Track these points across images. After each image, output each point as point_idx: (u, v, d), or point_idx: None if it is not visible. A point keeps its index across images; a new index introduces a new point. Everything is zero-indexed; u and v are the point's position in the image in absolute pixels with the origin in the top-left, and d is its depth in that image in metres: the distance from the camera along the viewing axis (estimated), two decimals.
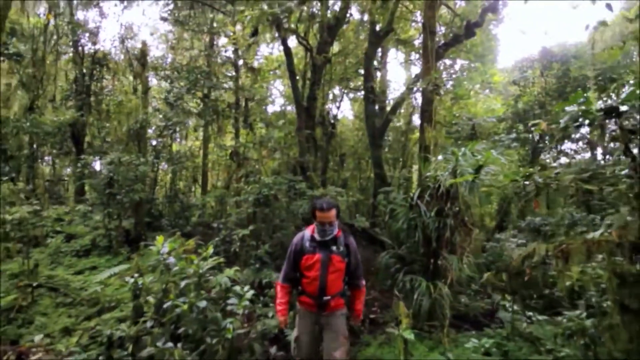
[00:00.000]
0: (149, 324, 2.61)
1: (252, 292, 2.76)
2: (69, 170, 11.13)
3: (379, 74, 13.48)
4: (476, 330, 4.75)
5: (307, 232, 2.77)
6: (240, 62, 9.54)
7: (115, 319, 3.67)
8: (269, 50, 13.60)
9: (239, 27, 8.41)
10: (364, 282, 2.91)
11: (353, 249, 2.75)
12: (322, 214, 2.60)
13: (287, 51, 9.03)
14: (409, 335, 2.67)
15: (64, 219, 7.03)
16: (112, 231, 6.39)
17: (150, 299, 2.73)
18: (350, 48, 12.10)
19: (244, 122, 8.80)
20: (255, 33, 7.64)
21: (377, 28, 9.99)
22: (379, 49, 12.05)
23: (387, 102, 12.68)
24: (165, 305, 2.39)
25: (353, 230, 8.50)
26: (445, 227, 4.68)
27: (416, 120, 11.89)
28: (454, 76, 11.71)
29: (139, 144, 7.81)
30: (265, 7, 5.88)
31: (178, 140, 11.25)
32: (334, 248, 2.68)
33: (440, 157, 5.48)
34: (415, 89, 8.05)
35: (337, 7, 10.05)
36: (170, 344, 2.28)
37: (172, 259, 2.58)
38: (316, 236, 2.68)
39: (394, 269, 5.21)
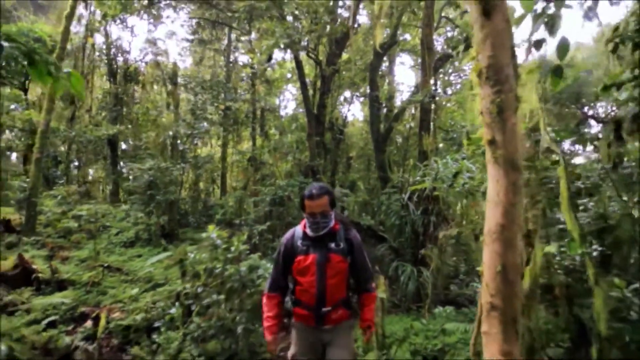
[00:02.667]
0: (199, 288, 3.91)
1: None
2: (103, 173, 12.75)
3: (386, 79, 14.63)
4: (456, 310, 5.89)
5: (299, 228, 2.32)
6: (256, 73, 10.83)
7: (167, 291, 5.01)
8: (281, 55, 14.98)
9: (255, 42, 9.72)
10: (374, 285, 2.42)
11: (357, 245, 2.27)
12: (311, 202, 2.15)
13: (299, 65, 10.30)
14: (382, 295, 3.82)
15: (111, 215, 8.52)
16: (152, 226, 7.81)
17: (201, 268, 4.02)
18: (357, 57, 13.26)
19: (260, 129, 10.13)
20: (270, 59, 8.92)
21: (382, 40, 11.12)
22: (385, 57, 13.17)
23: (395, 105, 13.78)
24: (216, 271, 3.67)
25: (359, 228, 9.68)
26: (429, 223, 5.84)
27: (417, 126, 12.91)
28: (460, 79, 12.67)
29: (172, 151, 9.26)
30: (279, 34, 7.13)
31: (199, 145, 12.70)
32: (332, 245, 2.21)
33: (432, 163, 6.62)
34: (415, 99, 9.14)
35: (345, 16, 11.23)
36: (220, 296, 3.57)
37: (219, 241, 3.86)
38: (308, 232, 2.22)
39: (388, 259, 6.40)
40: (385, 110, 12.81)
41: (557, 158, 2.53)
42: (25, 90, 10.49)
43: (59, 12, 10.81)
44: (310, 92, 11.81)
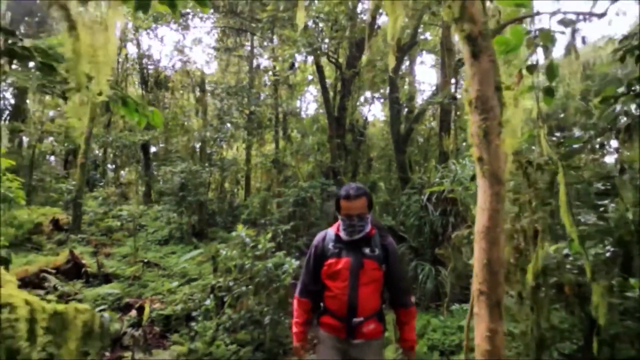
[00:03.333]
0: (231, 282, 4.35)
1: (297, 263, 4.38)
2: (136, 175, 13.67)
3: (407, 79, 14.74)
4: None
5: (331, 231, 2.22)
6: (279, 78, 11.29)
7: (201, 284, 5.51)
8: (301, 58, 15.45)
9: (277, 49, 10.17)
10: (413, 300, 2.24)
11: (393, 252, 2.14)
12: (348, 203, 2.05)
13: (320, 69, 10.67)
14: None
15: (147, 215, 9.23)
16: (183, 225, 8.42)
17: (232, 264, 4.46)
18: (377, 58, 13.47)
19: (283, 132, 10.59)
20: (292, 66, 9.34)
21: (401, 42, 11.28)
22: (406, 57, 13.30)
23: (416, 105, 13.89)
24: (246, 267, 4.09)
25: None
26: (447, 224, 6.04)
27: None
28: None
29: (201, 154, 9.88)
30: (300, 42, 7.52)
31: (225, 148, 13.35)
32: (367, 251, 2.08)
33: (450, 165, 6.81)
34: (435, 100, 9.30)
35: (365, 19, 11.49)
36: (250, 288, 4.00)
37: (247, 239, 4.29)
38: (342, 235, 2.11)
39: (408, 258, 6.65)
40: (405, 110, 12.95)
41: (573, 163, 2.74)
42: (66, 99, 11.47)
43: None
44: (331, 94, 12.16)
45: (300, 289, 2.26)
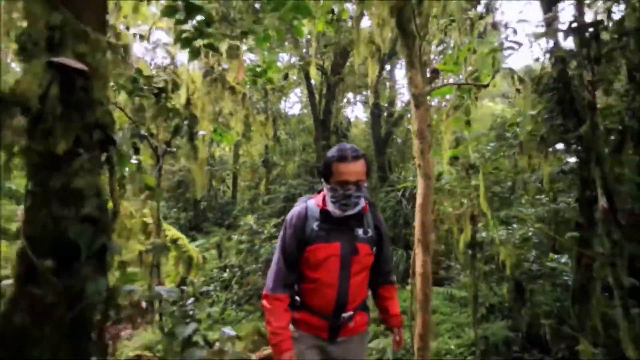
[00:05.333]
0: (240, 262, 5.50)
1: None
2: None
3: (387, 84, 16.16)
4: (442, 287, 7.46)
5: (312, 203, 1.77)
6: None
7: (208, 269, 6.60)
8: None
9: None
10: (394, 274, 2.05)
11: (385, 233, 1.85)
12: (345, 166, 1.62)
13: (307, 76, 11.86)
14: None
15: None
16: (181, 220, 9.42)
17: (240, 248, 5.60)
18: (360, 63, 14.78)
19: (274, 134, 11.71)
20: (286, 77, 10.48)
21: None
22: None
23: (396, 109, 15.33)
24: (255, 248, 5.24)
25: None
26: None
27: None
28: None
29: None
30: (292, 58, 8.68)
31: (215, 147, 14.30)
32: (360, 232, 1.73)
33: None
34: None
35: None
36: (258, 265, 5.17)
37: (254, 226, 5.43)
38: (332, 210, 1.68)
39: None
40: (386, 114, 14.34)
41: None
42: None
43: None
44: (317, 99, 13.37)
45: (273, 282, 1.71)
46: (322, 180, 1.72)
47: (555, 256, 4.63)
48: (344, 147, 1.69)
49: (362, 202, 1.71)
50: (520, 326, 4.44)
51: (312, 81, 12.82)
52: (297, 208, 1.79)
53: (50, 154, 1.03)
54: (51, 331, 1.04)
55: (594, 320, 3.22)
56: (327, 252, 1.69)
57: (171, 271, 3.86)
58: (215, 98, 2.44)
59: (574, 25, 2.35)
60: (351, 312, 1.75)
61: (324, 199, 1.74)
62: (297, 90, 18.77)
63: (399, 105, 15.88)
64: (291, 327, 1.74)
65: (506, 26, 3.06)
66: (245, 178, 16.29)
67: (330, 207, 1.70)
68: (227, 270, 5.53)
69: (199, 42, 1.50)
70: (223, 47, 1.84)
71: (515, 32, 3.21)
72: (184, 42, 1.51)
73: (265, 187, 11.33)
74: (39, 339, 1.01)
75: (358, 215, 1.74)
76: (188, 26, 1.46)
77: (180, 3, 1.37)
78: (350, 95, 16.67)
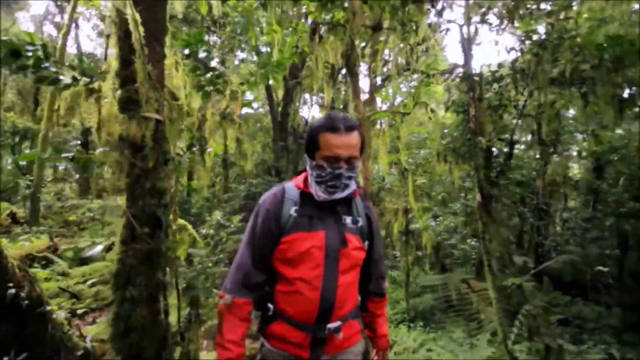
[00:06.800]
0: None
1: None
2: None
3: (342, 88, 17.38)
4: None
5: (292, 187, 1.43)
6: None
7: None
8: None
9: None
10: (385, 285, 1.66)
11: (376, 224, 1.53)
12: (336, 137, 1.31)
13: (268, 86, 12.62)
14: None
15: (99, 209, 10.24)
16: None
17: (208, 240, 6.31)
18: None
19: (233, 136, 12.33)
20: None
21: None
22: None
23: (350, 112, 16.59)
24: (223, 241, 5.99)
25: None
26: None
27: None
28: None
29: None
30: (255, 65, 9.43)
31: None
32: (348, 220, 1.41)
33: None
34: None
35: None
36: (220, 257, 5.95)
37: (221, 221, 6.18)
38: (317, 193, 1.37)
39: None
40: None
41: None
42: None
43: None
44: (276, 101, 14.16)
45: (232, 281, 1.39)
46: (306, 156, 1.41)
47: (473, 241, 6.00)
48: (335, 115, 1.35)
49: (353, 185, 1.40)
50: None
51: (271, 82, 13.61)
52: (272, 191, 1.46)
53: (144, 168, 1.86)
54: (145, 268, 1.88)
55: (493, 293, 4.52)
56: (308, 243, 1.33)
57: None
58: (222, 127, 3.23)
59: (462, 73, 3.51)
60: (338, 323, 1.37)
61: (305, 180, 1.42)
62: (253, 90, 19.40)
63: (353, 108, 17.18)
64: (268, 347, 1.40)
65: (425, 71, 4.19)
66: (201, 177, 16.59)
67: (314, 188, 1.36)
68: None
69: (209, 88, 2.28)
70: (227, 92, 2.63)
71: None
72: (199, 87, 2.31)
73: (222, 186, 11.91)
74: (139, 272, 1.84)
75: (347, 201, 1.41)
76: (203, 78, 2.27)
77: (200, 65, 2.21)
78: (307, 96, 17.70)
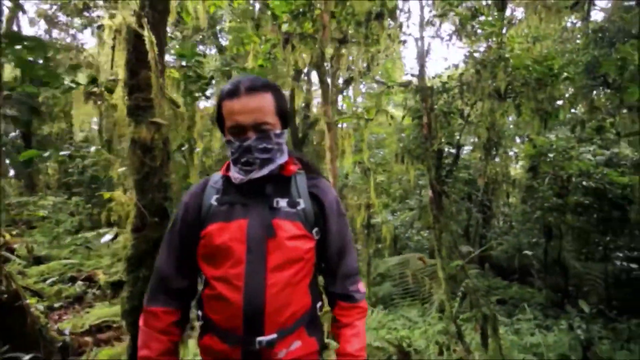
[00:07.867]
0: None
1: None
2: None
3: (304, 87, 17.84)
4: None
5: (217, 174, 1.25)
6: None
7: None
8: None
9: None
10: (363, 289, 1.30)
11: (331, 206, 1.21)
12: (237, 102, 1.12)
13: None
14: None
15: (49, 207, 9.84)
16: (93, 215, 9.56)
17: None
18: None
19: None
20: (211, 79, 11.24)
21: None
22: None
23: (313, 111, 17.10)
24: None
25: None
26: None
27: None
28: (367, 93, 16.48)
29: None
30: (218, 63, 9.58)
31: None
32: (282, 203, 1.16)
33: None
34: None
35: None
36: None
37: None
38: (234, 175, 1.19)
39: None
40: (303, 115, 16.00)
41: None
42: None
43: None
44: None
45: (149, 290, 1.23)
46: (219, 125, 1.21)
47: (426, 233, 6.75)
48: (238, 77, 1.18)
49: (279, 158, 1.18)
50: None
51: None
52: (201, 182, 1.27)
53: (152, 166, 2.20)
54: (155, 251, 2.23)
55: (441, 273, 5.21)
56: (225, 235, 1.12)
57: None
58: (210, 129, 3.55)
59: (417, 86, 4.11)
60: (274, 335, 1.10)
61: (228, 164, 1.23)
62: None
63: (315, 106, 17.72)
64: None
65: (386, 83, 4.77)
66: (190, 175, 16.21)
67: (232, 171, 1.18)
68: None
69: (198, 94, 2.62)
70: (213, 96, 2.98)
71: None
72: (189, 92, 2.65)
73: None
74: (151, 255, 2.19)
75: (278, 178, 1.19)
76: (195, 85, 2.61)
77: (194, 75, 2.55)
78: None
